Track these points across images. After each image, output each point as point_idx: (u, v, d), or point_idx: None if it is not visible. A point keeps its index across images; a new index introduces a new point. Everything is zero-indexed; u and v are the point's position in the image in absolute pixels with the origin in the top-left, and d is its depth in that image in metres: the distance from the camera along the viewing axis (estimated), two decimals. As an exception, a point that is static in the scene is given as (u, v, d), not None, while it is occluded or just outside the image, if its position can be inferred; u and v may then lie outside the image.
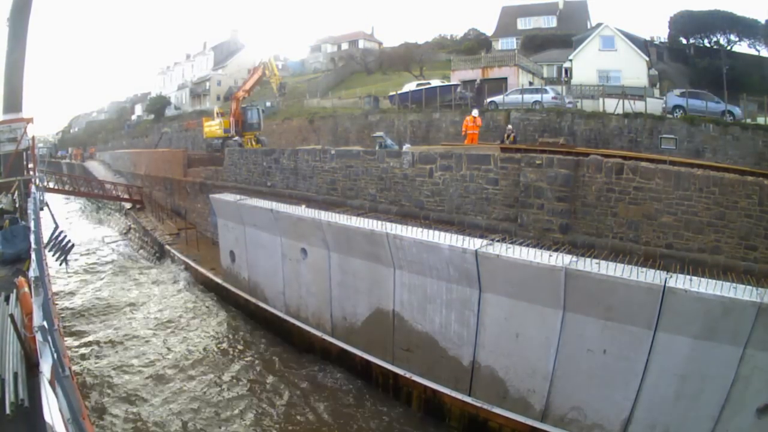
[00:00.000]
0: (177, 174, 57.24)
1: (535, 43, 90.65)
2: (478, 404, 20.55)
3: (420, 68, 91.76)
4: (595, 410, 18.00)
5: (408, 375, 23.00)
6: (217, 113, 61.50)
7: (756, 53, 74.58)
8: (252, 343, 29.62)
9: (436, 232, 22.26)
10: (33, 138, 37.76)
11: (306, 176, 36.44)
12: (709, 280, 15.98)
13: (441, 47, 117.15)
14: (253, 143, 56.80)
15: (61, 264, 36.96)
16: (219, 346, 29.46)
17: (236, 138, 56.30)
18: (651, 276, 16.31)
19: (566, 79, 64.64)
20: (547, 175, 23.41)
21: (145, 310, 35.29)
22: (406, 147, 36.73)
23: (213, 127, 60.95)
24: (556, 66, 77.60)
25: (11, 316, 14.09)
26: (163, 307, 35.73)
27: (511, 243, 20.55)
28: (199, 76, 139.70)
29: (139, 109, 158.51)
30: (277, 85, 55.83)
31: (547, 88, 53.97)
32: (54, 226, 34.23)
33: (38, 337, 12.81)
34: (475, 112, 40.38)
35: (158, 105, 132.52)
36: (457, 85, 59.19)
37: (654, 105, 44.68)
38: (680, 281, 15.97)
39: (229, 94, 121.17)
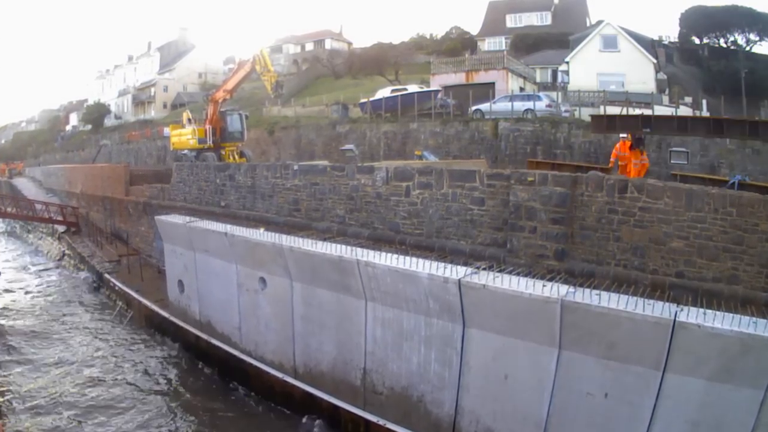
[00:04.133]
0: (118, 192, 56.72)
1: (527, 44, 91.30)
2: (462, 456, 20.42)
3: (395, 72, 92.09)
4: (595, 463, 17.91)
5: (381, 422, 22.74)
6: (188, 119, 55.08)
7: (779, 55, 75.38)
8: (202, 387, 29.28)
9: (414, 259, 22.14)
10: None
11: (265, 195, 36.31)
12: (726, 314, 15.84)
13: (419, 48, 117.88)
14: (236, 157, 52.14)
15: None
16: (163, 390, 29.07)
17: (210, 153, 51.32)
18: (659, 309, 16.21)
19: (562, 85, 64.97)
20: (540, 193, 23.37)
21: (79, 351, 34.76)
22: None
23: (184, 136, 54.43)
24: (551, 69, 78.03)
25: None
26: (99, 345, 35.28)
27: (500, 271, 20.45)
28: (143, 81, 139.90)
29: (74, 119, 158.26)
30: (272, 84, 49.27)
31: (541, 94, 54.25)
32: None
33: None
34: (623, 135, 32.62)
35: (96, 114, 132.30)
36: (437, 91, 59.31)
37: (662, 113, 44.88)
38: (692, 315, 15.91)
39: (177, 101, 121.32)
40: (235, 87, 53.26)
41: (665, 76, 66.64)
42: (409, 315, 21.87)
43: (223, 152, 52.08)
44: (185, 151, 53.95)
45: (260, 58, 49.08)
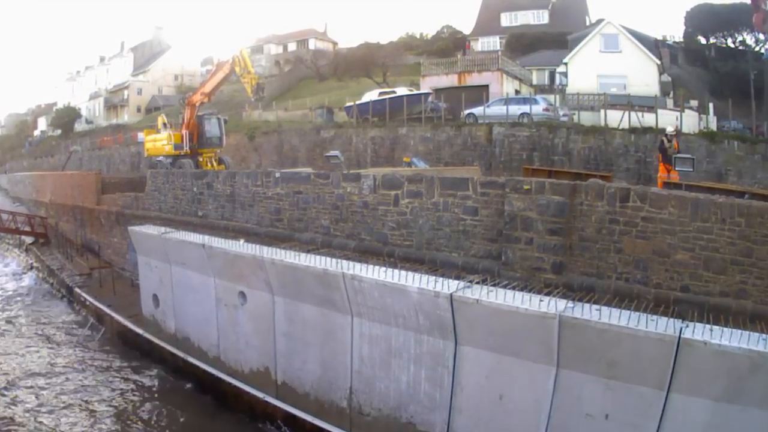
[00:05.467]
0: (89, 201, 56.61)
1: (523, 43, 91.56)
2: (454, 482, 20.34)
3: (383, 73, 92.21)
4: (596, 489, 17.83)
5: (369, 446, 22.77)
6: (164, 123, 55.14)
7: (791, 55, 75.29)
8: (179, 409, 29.05)
9: (403, 272, 22.00)
10: None
11: (245, 204, 36.23)
12: (734, 330, 15.84)
13: (408, 48, 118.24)
14: (214, 164, 52.19)
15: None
16: (134, 410, 28.78)
17: (186, 159, 50.83)
18: (663, 325, 16.22)
19: (560, 87, 65.04)
20: (537, 203, 23.31)
21: (47, 369, 34.45)
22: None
23: (159, 142, 53.97)
24: (548, 71, 78.13)
25: None
26: (68, 364, 34.99)
27: (494, 285, 20.47)
28: (116, 83, 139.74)
29: (42, 123, 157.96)
30: (253, 87, 48.63)
31: (537, 97, 54.29)
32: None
33: None
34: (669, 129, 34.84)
35: (66, 118, 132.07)
36: (428, 94, 59.38)
37: (667, 118, 44.94)
38: (698, 331, 15.88)
39: (152, 105, 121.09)
40: (214, 89, 52.46)
41: (669, 78, 66.79)
42: (398, 331, 21.79)
43: (200, 159, 51.79)
44: (160, 158, 53.15)
45: (240, 59, 48.46)
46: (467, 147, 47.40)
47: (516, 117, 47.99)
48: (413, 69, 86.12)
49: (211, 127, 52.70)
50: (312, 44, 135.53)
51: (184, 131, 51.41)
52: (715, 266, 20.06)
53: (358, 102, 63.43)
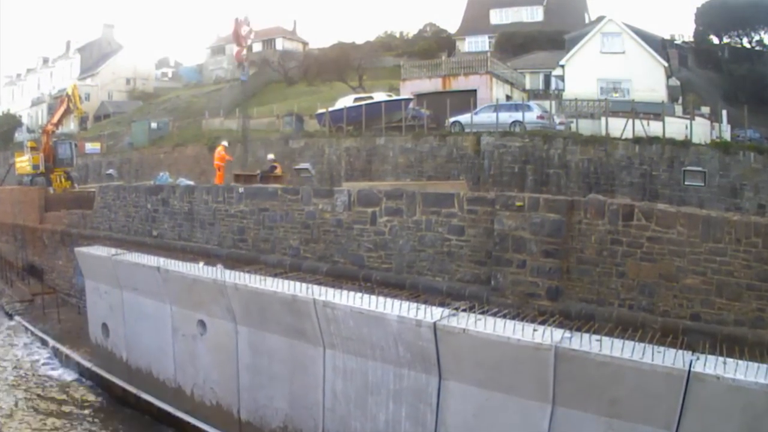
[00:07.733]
0: (31, 220, 56.26)
1: (515, 44, 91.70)
2: None
3: (359, 77, 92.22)
4: None
5: (343, 494, 22.63)
6: (29, 147, 68.68)
7: (811, 56, 75.56)
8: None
9: (381, 299, 21.96)
10: None
11: (205, 223, 36.09)
12: (750, 364, 15.83)
13: (387, 49, 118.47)
14: (62, 180, 65.38)
15: None
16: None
17: (40, 177, 64.68)
18: (671, 358, 16.12)
19: (556, 92, 65.12)
20: (530, 221, 23.22)
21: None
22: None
23: (23, 162, 68.14)
24: (543, 74, 78.22)
25: None
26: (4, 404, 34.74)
27: (482, 313, 20.34)
28: (61, 88, 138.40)
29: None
30: (78, 119, 69.22)
31: (531, 103, 54.30)
32: None
33: None
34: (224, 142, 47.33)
35: (5, 126, 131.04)
36: (408, 100, 59.30)
37: (675, 126, 44.96)
38: (710, 365, 15.82)
39: (101, 111, 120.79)
40: (60, 120, 68.78)
41: (678, 82, 66.96)
42: (376, 365, 21.70)
43: (52, 175, 65.57)
44: (25, 176, 67.62)
45: (71, 96, 65.58)
46: (453, 159, 47.34)
47: (507, 125, 48.00)
48: (392, 72, 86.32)
49: (64, 150, 67.51)
50: (279, 44, 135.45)
51: (41, 154, 65.61)
52: (728, 292, 19.98)
53: (330, 109, 63.22)
